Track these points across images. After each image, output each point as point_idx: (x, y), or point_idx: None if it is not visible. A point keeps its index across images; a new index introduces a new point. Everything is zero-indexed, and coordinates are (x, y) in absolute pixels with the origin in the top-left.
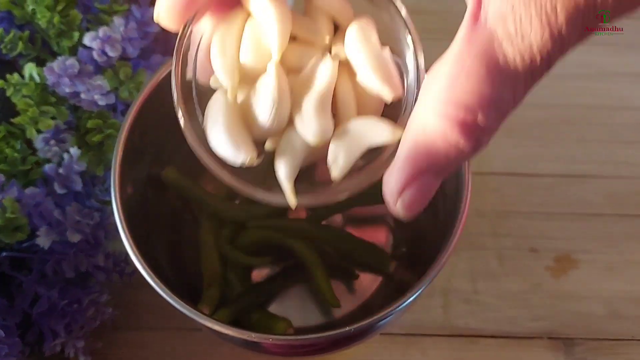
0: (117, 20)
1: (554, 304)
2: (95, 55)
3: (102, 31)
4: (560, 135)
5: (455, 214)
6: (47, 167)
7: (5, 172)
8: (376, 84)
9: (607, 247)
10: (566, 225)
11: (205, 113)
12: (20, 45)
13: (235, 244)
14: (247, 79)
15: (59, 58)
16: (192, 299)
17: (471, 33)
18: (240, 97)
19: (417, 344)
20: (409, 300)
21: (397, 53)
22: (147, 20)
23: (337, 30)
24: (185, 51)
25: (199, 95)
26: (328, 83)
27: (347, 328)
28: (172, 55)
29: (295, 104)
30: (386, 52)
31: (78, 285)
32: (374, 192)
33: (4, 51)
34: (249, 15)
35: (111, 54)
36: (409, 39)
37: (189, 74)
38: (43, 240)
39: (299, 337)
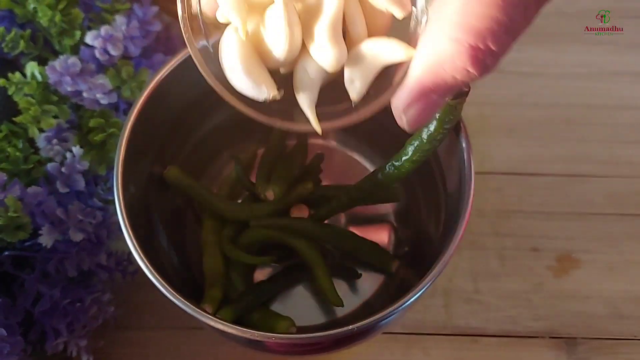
0: (119, 19)
1: (555, 303)
2: (97, 54)
3: (104, 30)
4: (561, 135)
5: (458, 214)
6: (50, 166)
7: (8, 171)
8: (385, 1)
9: (608, 246)
10: (567, 225)
11: (219, 52)
12: (22, 44)
13: (237, 243)
14: (255, 8)
15: (61, 57)
16: (195, 298)
17: None
18: (250, 27)
19: (419, 343)
20: (411, 300)
21: None
22: (149, 19)
23: None
24: None
25: (206, 27)
26: (337, 8)
27: (350, 327)
28: (174, 54)
29: (307, 32)
30: None
31: (80, 284)
32: (376, 193)
33: (5, 50)
34: None
35: (113, 52)
36: None
37: (195, 7)
38: (45, 239)
39: (301, 336)
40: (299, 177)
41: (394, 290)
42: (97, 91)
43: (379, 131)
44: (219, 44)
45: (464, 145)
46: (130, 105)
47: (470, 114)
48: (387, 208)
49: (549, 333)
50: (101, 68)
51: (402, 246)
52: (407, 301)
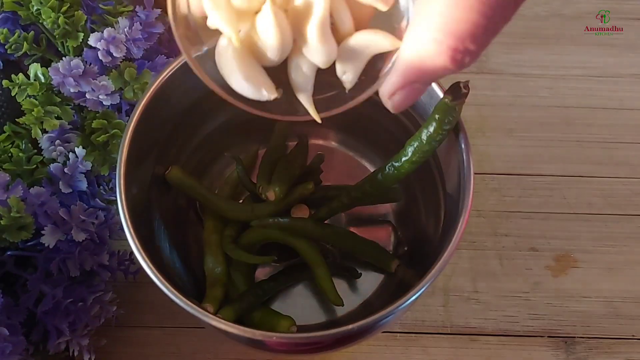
0: (122, 22)
1: (553, 303)
2: (100, 55)
3: (107, 32)
4: (560, 136)
5: (457, 214)
6: (52, 167)
7: (11, 172)
8: None
9: (606, 246)
10: (566, 225)
11: (216, 59)
12: (25, 45)
13: (238, 242)
14: (244, 14)
15: (64, 58)
16: (196, 298)
17: None
18: (242, 34)
19: (418, 342)
20: (410, 299)
21: None
22: (151, 22)
23: None
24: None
25: (198, 27)
26: (324, 9)
27: (350, 326)
28: (176, 56)
29: (297, 33)
30: None
31: (83, 283)
32: (376, 193)
33: (9, 51)
34: None
35: (116, 54)
36: None
37: (184, 10)
38: (48, 239)
39: (302, 335)
40: (300, 177)
41: (393, 290)
42: (100, 92)
43: (379, 132)
44: (215, 48)
45: (463, 145)
46: (132, 106)
47: (470, 114)
48: (387, 208)
49: (547, 332)
50: (104, 70)
51: (401, 246)
52: (406, 301)
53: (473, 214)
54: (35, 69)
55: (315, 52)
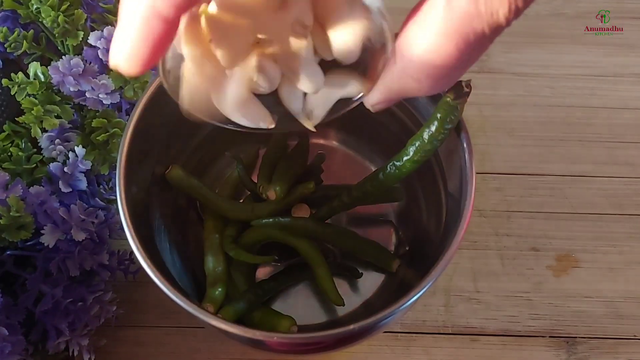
0: None
1: (555, 303)
2: (100, 54)
3: (107, 30)
4: (562, 135)
5: (458, 214)
6: (52, 166)
7: (10, 171)
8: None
9: (608, 246)
10: (567, 225)
11: (213, 101)
12: (25, 44)
13: (239, 242)
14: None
15: (64, 57)
16: (196, 297)
17: (445, 11)
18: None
19: (419, 342)
20: (412, 299)
21: None
22: None
23: None
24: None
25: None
26: (306, 50)
27: (351, 327)
28: None
29: (287, 68)
30: None
31: (82, 283)
32: (377, 193)
33: (8, 50)
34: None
35: None
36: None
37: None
38: (48, 238)
39: (302, 335)
40: (301, 177)
41: (394, 290)
42: (100, 91)
43: (380, 131)
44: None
45: (464, 145)
46: (132, 105)
47: (471, 114)
48: (388, 208)
49: (549, 332)
50: (104, 68)
51: (402, 246)
52: (408, 301)
53: (474, 213)
54: (35, 67)
55: (306, 83)
